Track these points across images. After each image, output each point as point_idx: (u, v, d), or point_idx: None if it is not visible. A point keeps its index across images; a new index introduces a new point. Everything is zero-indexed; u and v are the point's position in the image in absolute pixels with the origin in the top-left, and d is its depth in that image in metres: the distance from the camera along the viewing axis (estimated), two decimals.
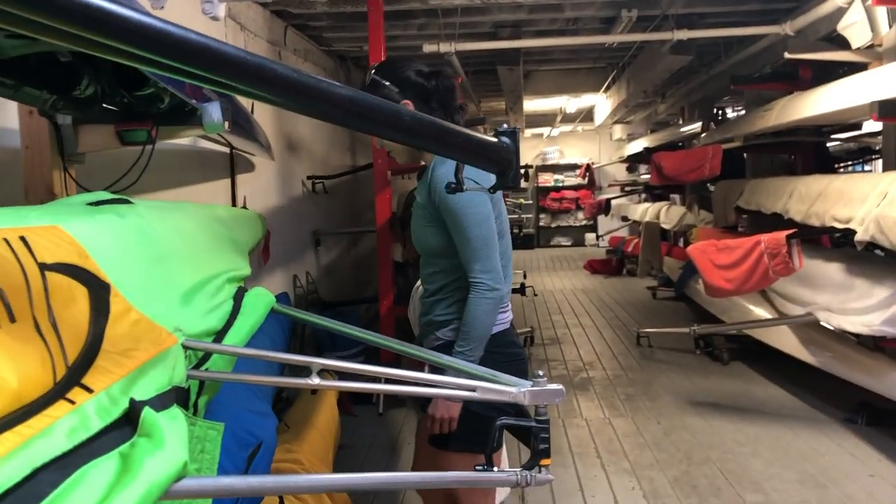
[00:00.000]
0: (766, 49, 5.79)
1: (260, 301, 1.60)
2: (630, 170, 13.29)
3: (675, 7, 5.24)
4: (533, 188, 16.35)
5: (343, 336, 1.67)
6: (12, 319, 0.75)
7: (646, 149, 9.56)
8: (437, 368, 1.64)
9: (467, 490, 2.04)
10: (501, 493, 2.67)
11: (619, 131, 13.59)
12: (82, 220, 1.06)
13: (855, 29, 4.15)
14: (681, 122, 8.99)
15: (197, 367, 1.21)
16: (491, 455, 1.32)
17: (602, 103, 10.01)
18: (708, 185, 7.73)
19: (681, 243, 8.67)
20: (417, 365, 1.81)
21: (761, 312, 5.03)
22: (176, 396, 1.02)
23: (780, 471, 3.47)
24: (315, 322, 1.72)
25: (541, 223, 16.69)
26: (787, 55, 4.77)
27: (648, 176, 9.40)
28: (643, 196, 11.47)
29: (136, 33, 0.70)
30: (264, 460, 1.88)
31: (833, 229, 3.87)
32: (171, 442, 0.85)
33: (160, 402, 0.95)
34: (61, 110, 1.79)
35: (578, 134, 15.95)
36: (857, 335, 3.88)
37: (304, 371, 1.24)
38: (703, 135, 7.37)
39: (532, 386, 1.32)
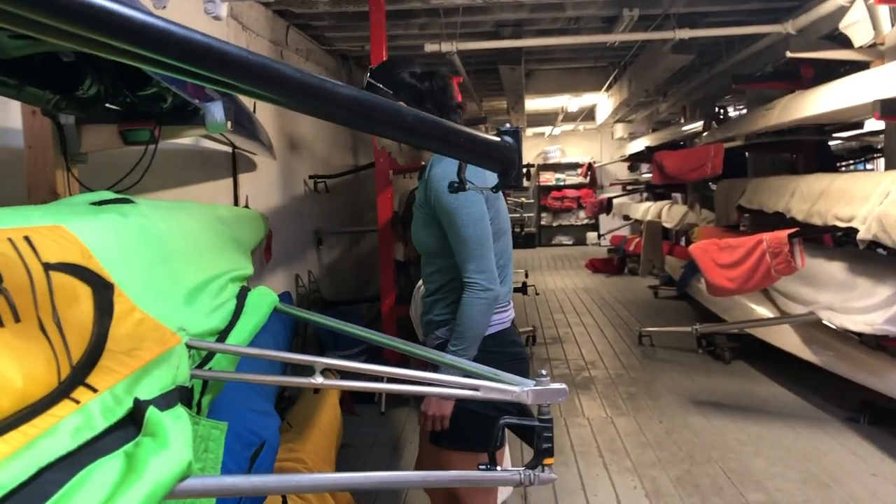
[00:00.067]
0: (767, 48, 5.78)
1: (263, 300, 1.60)
2: (631, 169, 13.30)
3: (676, 6, 5.24)
4: (534, 187, 16.35)
5: (345, 335, 1.68)
6: (17, 319, 0.76)
7: (647, 148, 9.56)
8: (434, 367, 1.64)
9: (469, 489, 2.04)
10: (504, 493, 2.67)
11: (620, 130, 13.59)
12: (86, 219, 1.06)
13: (857, 28, 4.15)
14: (682, 121, 8.98)
15: (200, 366, 1.22)
16: (494, 454, 1.32)
17: (603, 102, 10.00)
18: (710, 184, 7.73)
19: (682, 242, 8.67)
20: (424, 365, 1.81)
21: (763, 311, 5.03)
22: (180, 396, 1.02)
23: (782, 470, 3.47)
24: (318, 321, 1.72)
25: (542, 222, 16.69)
26: (788, 54, 4.77)
27: (650, 175, 9.40)
28: (645, 195, 11.46)
29: (139, 33, 0.70)
30: (267, 459, 1.88)
31: (835, 228, 3.87)
32: (175, 441, 0.85)
33: (164, 401, 0.95)
34: (64, 110, 1.79)
35: (580, 133, 15.94)
36: (859, 334, 3.87)
37: (306, 370, 1.24)
38: (705, 134, 7.37)
39: (535, 385, 1.32)
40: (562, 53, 7.45)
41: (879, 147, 6.90)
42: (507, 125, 1.32)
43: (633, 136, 12.19)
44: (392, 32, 5.47)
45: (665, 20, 5.44)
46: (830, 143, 7.27)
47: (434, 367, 1.69)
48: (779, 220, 4.72)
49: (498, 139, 1.26)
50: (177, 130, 2.03)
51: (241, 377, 1.44)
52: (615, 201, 12.16)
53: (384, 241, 4.73)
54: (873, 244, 3.57)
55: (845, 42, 4.40)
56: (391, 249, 4.81)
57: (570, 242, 16.49)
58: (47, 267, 0.84)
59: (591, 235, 15.90)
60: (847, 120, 5.36)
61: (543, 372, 1.36)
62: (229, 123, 1.96)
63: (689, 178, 7.05)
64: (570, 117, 12.63)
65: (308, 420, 3.21)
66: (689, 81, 7.99)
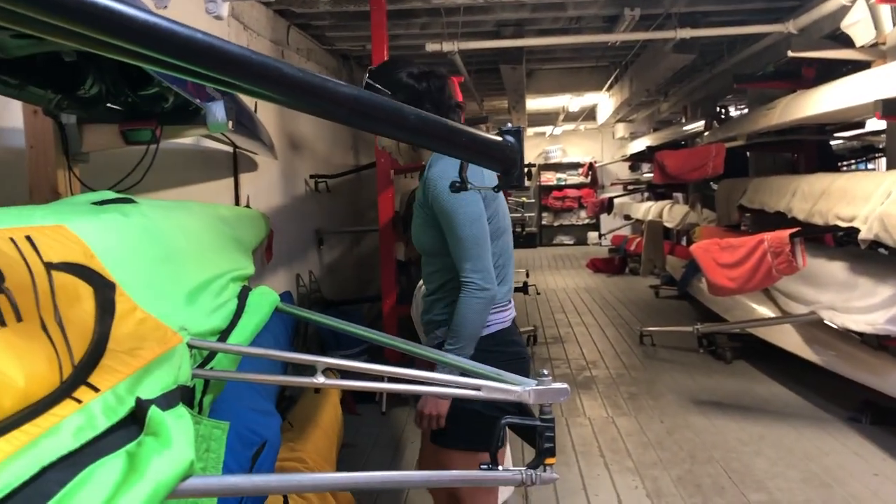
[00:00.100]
0: (769, 47, 5.78)
1: (264, 300, 1.60)
2: (633, 168, 13.29)
3: (677, 6, 5.24)
4: (535, 187, 16.34)
5: (346, 335, 1.68)
6: (19, 318, 0.76)
7: (648, 147, 9.56)
8: (430, 365, 1.64)
9: (470, 488, 2.04)
10: (505, 492, 2.67)
11: (621, 130, 13.59)
12: (87, 219, 1.06)
13: (858, 27, 4.14)
14: (684, 120, 8.98)
15: (202, 366, 1.22)
16: (496, 454, 1.32)
17: (605, 102, 10.00)
18: (711, 183, 7.73)
19: (684, 242, 8.66)
20: (427, 365, 1.81)
21: (765, 311, 5.03)
22: (181, 395, 1.02)
23: (783, 470, 3.47)
24: (319, 321, 1.72)
25: (543, 222, 16.69)
26: (790, 54, 4.76)
27: (651, 174, 9.40)
28: (646, 195, 11.46)
29: (142, 33, 0.70)
30: (268, 459, 1.88)
31: (836, 228, 3.87)
32: (177, 441, 0.85)
33: (166, 401, 0.95)
34: (66, 110, 1.79)
35: (581, 132, 15.94)
36: (860, 334, 3.87)
37: (307, 370, 1.24)
38: (706, 133, 7.37)
39: (537, 385, 1.32)
40: (563, 53, 7.45)
41: (881, 147, 6.90)
42: (509, 125, 1.32)
43: (634, 136, 12.19)
44: (393, 32, 5.47)
45: (666, 20, 5.43)
46: (832, 142, 7.27)
47: (434, 366, 1.69)
48: (780, 220, 4.72)
49: (500, 139, 1.26)
50: (178, 130, 2.04)
51: (243, 377, 1.44)
52: (616, 201, 12.16)
53: (385, 240, 4.74)
54: (875, 244, 3.57)
55: (847, 42, 4.40)
56: (392, 249, 4.81)
57: (571, 242, 16.49)
58: (49, 266, 0.84)
59: (592, 235, 15.90)
60: (848, 119, 5.36)
61: (545, 372, 1.36)
62: (230, 123, 1.96)
63: (690, 178, 7.05)
64: (571, 117, 12.63)
65: (309, 420, 3.22)
66: (690, 81, 7.99)
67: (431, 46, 5.33)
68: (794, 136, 5.82)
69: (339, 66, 6.68)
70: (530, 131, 15.04)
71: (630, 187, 12.46)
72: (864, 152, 8.14)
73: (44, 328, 0.79)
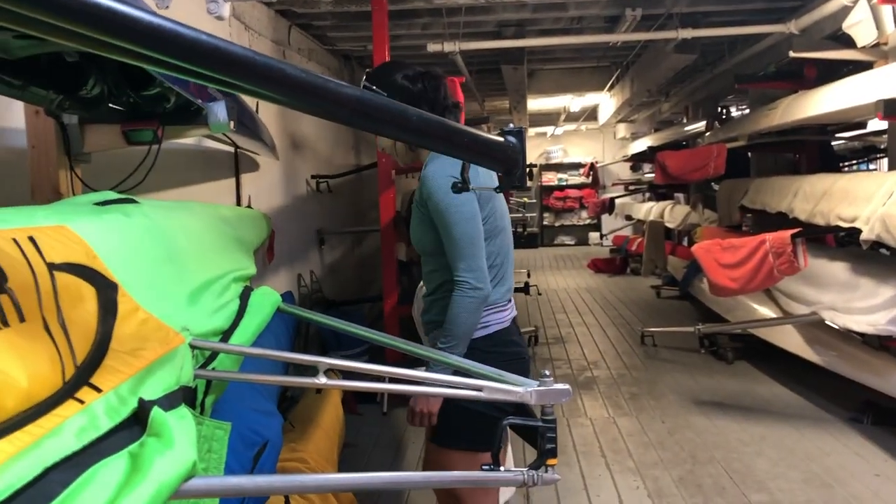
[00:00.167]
0: (770, 48, 5.78)
1: (266, 300, 1.60)
2: (634, 169, 13.28)
3: (679, 6, 5.24)
4: (537, 187, 16.35)
5: (347, 335, 1.68)
6: (22, 319, 0.76)
7: (650, 148, 9.55)
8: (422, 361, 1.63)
9: (470, 488, 2.04)
10: (506, 493, 2.67)
11: (622, 130, 13.58)
12: (89, 219, 1.06)
13: (860, 27, 4.14)
14: (685, 120, 8.98)
15: (204, 366, 1.22)
16: (497, 454, 1.32)
17: (606, 102, 10.00)
18: (712, 184, 7.72)
19: (685, 242, 8.66)
20: (428, 365, 1.82)
21: (766, 311, 5.03)
22: (184, 396, 1.02)
23: (785, 470, 3.47)
24: (320, 321, 1.72)
25: (544, 222, 16.69)
26: (791, 54, 4.76)
27: (652, 175, 9.39)
28: (647, 195, 11.46)
29: (146, 34, 0.70)
30: (270, 459, 1.88)
31: (838, 228, 3.86)
32: (180, 441, 0.85)
33: (168, 401, 0.95)
34: (68, 110, 1.79)
35: (582, 133, 15.94)
36: (862, 334, 3.87)
37: (309, 370, 1.24)
38: (708, 134, 7.36)
39: (539, 386, 1.32)
40: (564, 53, 7.45)
41: (882, 147, 6.90)
42: (511, 125, 1.32)
43: (635, 136, 12.18)
44: (394, 32, 5.47)
45: (668, 20, 5.43)
46: (833, 143, 7.26)
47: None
48: (782, 221, 4.72)
49: (501, 139, 1.26)
50: (180, 130, 2.04)
51: (245, 377, 1.44)
52: (617, 201, 12.16)
53: (386, 240, 4.74)
54: (876, 244, 3.57)
55: (848, 42, 4.40)
56: (393, 249, 4.81)
57: (573, 242, 16.49)
58: (52, 267, 0.84)
59: (594, 235, 15.90)
60: (850, 120, 5.36)
61: (546, 372, 1.36)
62: (232, 123, 1.96)
63: (691, 178, 7.05)
64: (572, 117, 12.63)
65: (310, 420, 3.22)
66: (691, 81, 7.99)
67: (433, 47, 5.33)
68: (795, 137, 5.82)
69: (341, 66, 6.68)
70: (531, 131, 15.04)
71: (631, 188, 12.46)
72: (865, 153, 8.14)
73: (46, 329, 0.79)
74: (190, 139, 3.05)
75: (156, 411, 0.88)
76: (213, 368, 1.24)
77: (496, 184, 2.08)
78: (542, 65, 8.07)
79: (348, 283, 6.53)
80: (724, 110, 8.44)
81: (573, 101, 10.65)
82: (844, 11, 4.25)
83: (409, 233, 2.18)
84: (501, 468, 1.29)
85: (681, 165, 6.84)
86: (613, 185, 14.07)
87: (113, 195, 1.34)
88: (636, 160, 11.75)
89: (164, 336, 1.04)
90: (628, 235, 11.60)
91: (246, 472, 1.76)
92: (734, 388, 4.84)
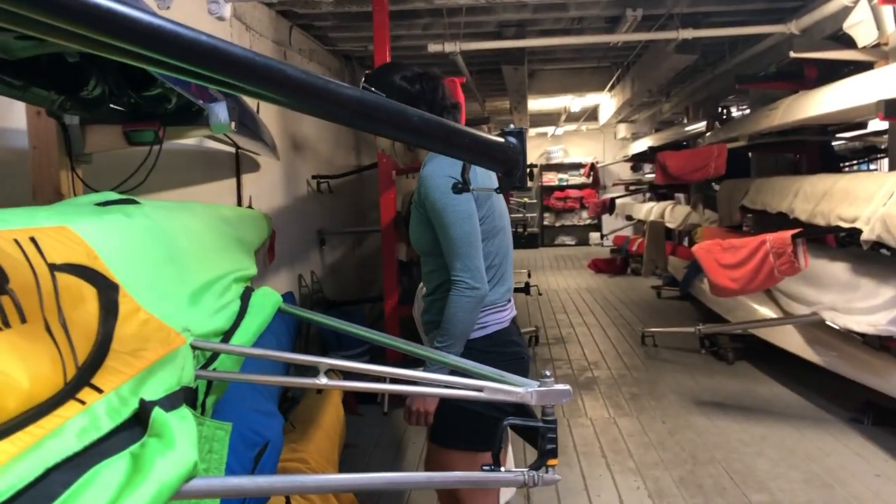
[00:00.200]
0: (771, 48, 5.78)
1: (267, 301, 1.60)
2: (634, 169, 13.28)
3: (679, 6, 5.24)
4: (537, 187, 16.34)
5: (348, 335, 1.68)
6: (23, 320, 0.76)
7: (650, 148, 9.55)
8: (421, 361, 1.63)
9: (470, 488, 2.04)
10: (507, 493, 2.67)
11: (623, 130, 13.58)
12: (90, 220, 1.06)
13: (861, 28, 4.14)
14: (685, 121, 8.97)
15: (205, 366, 1.22)
16: (498, 455, 1.32)
17: (606, 102, 10.00)
18: (713, 184, 7.72)
19: (685, 242, 8.66)
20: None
21: (766, 312, 5.03)
22: (185, 396, 1.02)
23: (785, 471, 3.47)
24: (321, 321, 1.72)
25: (545, 222, 16.69)
26: (792, 54, 4.76)
27: (653, 175, 9.39)
28: (648, 195, 11.45)
29: (146, 35, 0.70)
30: (271, 460, 1.89)
31: (839, 228, 3.86)
32: (181, 442, 0.85)
33: (169, 402, 0.95)
34: (69, 111, 1.80)
35: (583, 133, 15.94)
36: (862, 335, 3.87)
37: (309, 371, 1.24)
38: (708, 134, 7.36)
39: (539, 386, 1.32)
40: (565, 53, 7.45)
41: (883, 147, 6.90)
42: (512, 126, 1.32)
43: (635, 137, 12.18)
44: (395, 33, 5.47)
45: (668, 20, 5.44)
46: (834, 143, 7.26)
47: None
48: (782, 221, 4.72)
49: (502, 140, 1.26)
50: (181, 131, 2.04)
51: (246, 378, 1.44)
52: (618, 201, 12.16)
53: (387, 241, 4.74)
54: (877, 245, 3.57)
55: (849, 42, 4.39)
56: (394, 249, 4.81)
57: (573, 243, 16.49)
58: (53, 268, 0.84)
59: (594, 236, 15.89)
60: (851, 120, 5.36)
61: (547, 373, 1.36)
62: (233, 124, 1.96)
63: (692, 179, 7.05)
64: (572, 117, 12.63)
65: (311, 420, 3.22)
66: (692, 81, 7.99)
67: (433, 47, 5.34)
68: (796, 137, 5.82)
69: (342, 66, 6.68)
70: (532, 132, 15.04)
71: (632, 188, 12.45)
72: (866, 153, 8.14)
73: (48, 329, 0.79)
74: (191, 140, 3.06)
75: (157, 412, 0.88)
76: (214, 369, 1.24)
77: (494, 184, 2.09)
78: (543, 65, 8.07)
79: (349, 284, 6.53)
80: (725, 110, 8.43)
81: (574, 102, 10.65)
82: (845, 12, 4.25)
83: (409, 233, 2.18)
84: (502, 468, 1.29)
85: (681, 166, 6.84)
86: (614, 185, 14.07)
87: (114, 196, 1.34)
88: (637, 160, 11.75)
89: (166, 337, 1.04)
90: (629, 236, 11.60)
91: (247, 473, 1.76)
92: (735, 389, 4.84)
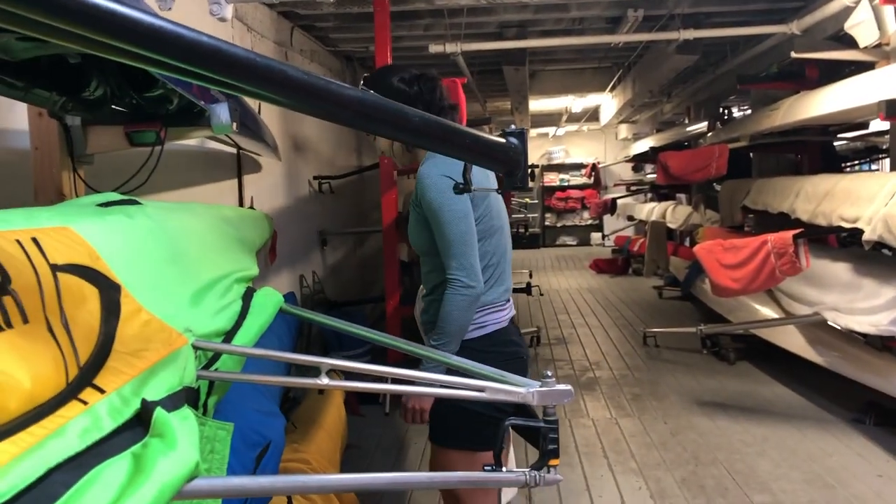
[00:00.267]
0: (772, 48, 5.77)
1: (269, 301, 1.60)
2: (636, 169, 13.28)
3: (681, 7, 5.23)
4: (539, 188, 16.34)
5: (349, 336, 1.68)
6: (25, 320, 0.76)
7: (652, 148, 9.55)
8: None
9: (469, 488, 2.04)
10: (508, 494, 2.67)
11: (624, 131, 13.58)
12: (92, 221, 1.06)
13: (862, 28, 4.13)
14: (687, 121, 8.97)
15: (207, 367, 1.22)
16: (500, 455, 1.32)
17: (608, 103, 9.99)
18: (714, 184, 7.72)
19: (687, 243, 8.65)
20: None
21: (768, 312, 5.02)
22: (186, 397, 1.02)
23: (787, 471, 3.47)
24: (322, 322, 1.72)
25: (546, 223, 16.68)
26: (793, 54, 4.76)
27: (654, 175, 9.38)
28: (649, 195, 11.45)
29: (146, 35, 0.70)
30: (273, 460, 1.89)
31: (840, 229, 3.86)
32: (182, 442, 0.85)
33: (171, 402, 0.95)
34: (71, 112, 1.80)
35: (584, 133, 15.94)
36: (864, 335, 3.87)
37: (311, 371, 1.24)
38: (710, 134, 7.36)
39: (541, 386, 1.32)
40: (566, 54, 7.45)
41: (884, 147, 6.88)
42: (513, 126, 1.32)
43: (637, 137, 12.18)
44: (396, 33, 5.47)
45: (669, 21, 5.43)
46: (835, 143, 7.25)
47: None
48: (783, 221, 4.72)
49: (503, 140, 1.26)
50: (182, 132, 2.04)
51: (247, 378, 1.44)
52: (619, 202, 12.15)
53: (388, 241, 4.74)
54: (878, 245, 3.57)
55: (850, 42, 4.39)
56: (395, 250, 4.81)
57: (574, 243, 16.48)
58: (55, 268, 0.84)
59: (596, 236, 15.88)
60: (852, 120, 5.35)
61: (549, 373, 1.36)
62: (234, 125, 1.96)
63: (693, 179, 7.04)
64: (574, 118, 12.62)
65: (313, 421, 3.22)
66: (693, 82, 7.98)
67: (435, 48, 5.34)
68: (797, 137, 5.81)
69: (343, 67, 6.68)
70: (533, 132, 15.04)
71: (633, 188, 12.44)
72: (867, 153, 8.13)
73: (50, 330, 0.79)
74: (192, 140, 3.06)
75: (159, 412, 0.88)
76: (216, 369, 1.25)
77: (492, 184, 2.10)
78: (544, 66, 8.07)
79: (350, 284, 6.54)
80: (726, 111, 8.42)
81: (575, 102, 10.65)
82: (846, 12, 4.25)
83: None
84: (503, 469, 1.29)
85: (683, 166, 6.84)
86: (615, 185, 14.06)
87: (116, 196, 1.34)
88: (638, 161, 11.73)
89: (167, 337, 1.04)
90: (630, 236, 11.59)
91: (248, 473, 1.76)
92: (736, 389, 4.84)
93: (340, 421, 3.55)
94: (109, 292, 0.94)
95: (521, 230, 14.46)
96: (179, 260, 1.29)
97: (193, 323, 1.18)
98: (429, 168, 1.98)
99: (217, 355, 1.24)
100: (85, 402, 0.80)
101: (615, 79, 8.42)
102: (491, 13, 5.33)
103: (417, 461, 3.80)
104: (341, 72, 6.60)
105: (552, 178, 16.60)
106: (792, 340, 4.48)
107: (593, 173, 14.68)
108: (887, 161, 5.79)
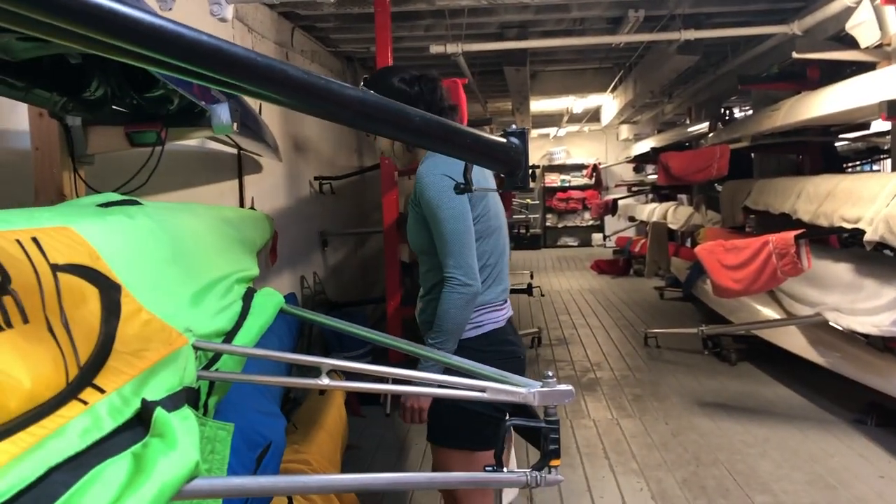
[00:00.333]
0: (773, 49, 5.77)
1: (269, 301, 1.60)
2: (637, 170, 13.28)
3: (682, 7, 5.23)
4: (540, 188, 16.34)
5: (350, 336, 1.68)
6: (25, 320, 0.76)
7: (653, 149, 9.54)
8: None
9: (467, 488, 2.05)
10: (510, 494, 2.66)
11: (625, 131, 13.58)
12: (93, 221, 1.06)
13: (863, 28, 4.13)
14: (688, 122, 8.97)
15: (207, 367, 1.22)
16: (501, 455, 1.32)
17: (609, 103, 9.99)
18: (715, 185, 7.71)
19: (688, 243, 8.64)
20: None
21: (769, 313, 5.02)
22: (187, 397, 1.02)
23: (788, 472, 3.46)
24: (323, 322, 1.72)
25: (547, 223, 16.68)
26: (794, 55, 4.76)
27: (655, 176, 9.38)
28: (650, 196, 11.45)
29: (147, 35, 0.70)
30: (273, 460, 1.89)
31: (842, 229, 3.86)
32: (183, 442, 0.85)
33: (171, 402, 0.95)
34: (71, 112, 1.80)
35: (585, 134, 15.94)
36: (866, 336, 3.86)
37: (312, 371, 1.24)
38: (711, 135, 7.35)
39: (542, 387, 1.31)
40: (567, 55, 7.45)
41: (886, 148, 6.87)
42: (514, 126, 1.32)
43: (638, 138, 12.16)
44: (397, 34, 5.48)
45: (670, 21, 5.43)
46: (836, 144, 7.25)
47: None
48: (785, 222, 4.71)
49: (504, 140, 1.26)
50: (183, 132, 2.04)
51: (248, 378, 1.44)
52: (620, 202, 12.16)
53: (389, 242, 4.74)
54: (880, 245, 3.56)
55: (851, 43, 4.39)
56: (396, 250, 4.81)
57: (576, 244, 16.48)
58: (55, 268, 0.84)
59: (597, 237, 15.89)
60: (853, 121, 5.35)
61: (550, 373, 1.35)
62: (235, 125, 1.96)
63: (694, 180, 7.04)
64: (575, 118, 12.62)
65: (313, 421, 3.22)
66: (694, 82, 7.98)
67: (435, 48, 5.34)
68: (798, 138, 5.81)
69: (344, 67, 6.68)
70: (534, 133, 15.05)
71: (634, 189, 12.44)
72: (869, 153, 8.11)
73: (50, 330, 0.79)
74: (193, 141, 3.06)
75: (159, 412, 0.88)
76: (217, 369, 1.24)
77: (490, 184, 2.11)
78: (545, 66, 8.07)
79: (351, 285, 6.54)
80: (728, 111, 8.42)
81: (576, 103, 10.65)
82: (847, 12, 4.25)
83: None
84: (504, 469, 1.29)
85: (684, 166, 6.84)
86: (616, 186, 14.06)
87: (116, 197, 1.35)
88: (639, 161, 11.74)
89: (168, 337, 1.04)
90: (631, 237, 11.59)
91: (249, 473, 1.76)
92: (738, 390, 4.84)
93: (341, 421, 3.55)
94: (110, 292, 0.94)
95: (523, 231, 14.40)
96: (180, 260, 1.29)
97: (194, 323, 1.18)
98: (428, 167, 1.98)
99: (217, 355, 1.24)
100: (85, 402, 0.80)
101: (616, 79, 8.42)
102: (492, 14, 5.33)
103: (418, 462, 3.79)
104: (342, 72, 6.60)
105: (553, 179, 16.61)
106: (793, 341, 4.48)
107: (594, 174, 14.70)
108: (889, 161, 5.79)
